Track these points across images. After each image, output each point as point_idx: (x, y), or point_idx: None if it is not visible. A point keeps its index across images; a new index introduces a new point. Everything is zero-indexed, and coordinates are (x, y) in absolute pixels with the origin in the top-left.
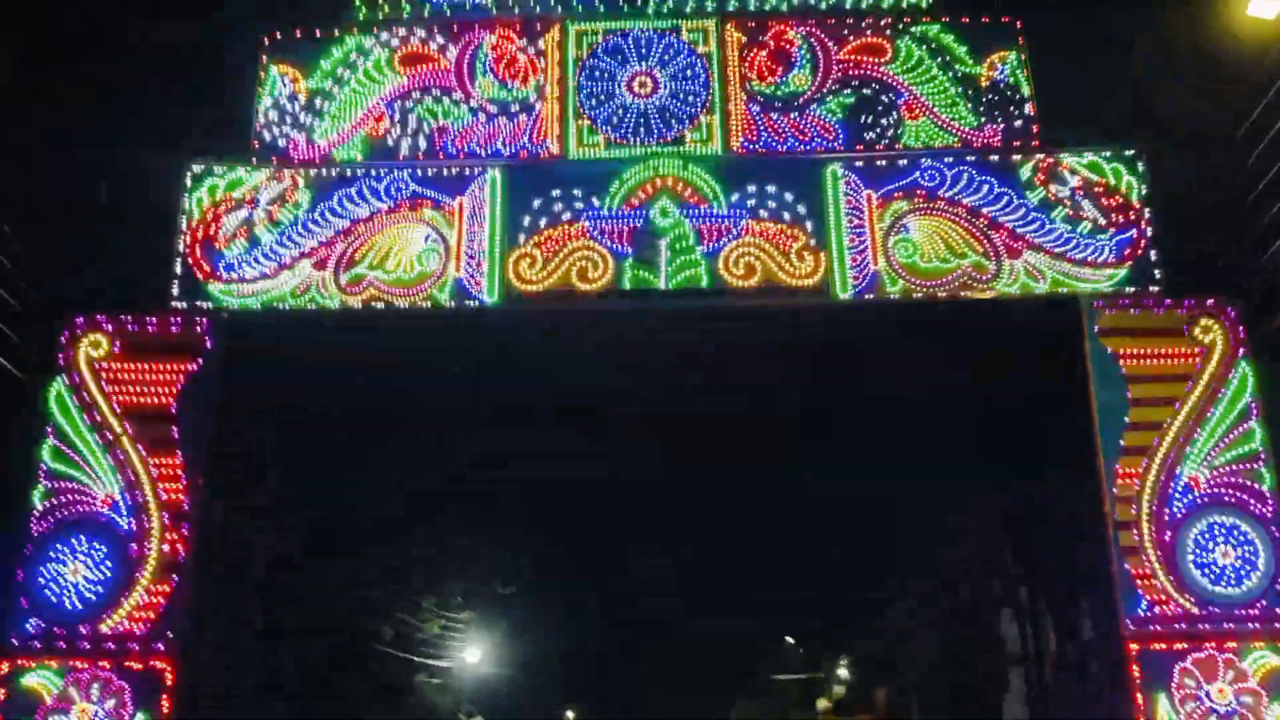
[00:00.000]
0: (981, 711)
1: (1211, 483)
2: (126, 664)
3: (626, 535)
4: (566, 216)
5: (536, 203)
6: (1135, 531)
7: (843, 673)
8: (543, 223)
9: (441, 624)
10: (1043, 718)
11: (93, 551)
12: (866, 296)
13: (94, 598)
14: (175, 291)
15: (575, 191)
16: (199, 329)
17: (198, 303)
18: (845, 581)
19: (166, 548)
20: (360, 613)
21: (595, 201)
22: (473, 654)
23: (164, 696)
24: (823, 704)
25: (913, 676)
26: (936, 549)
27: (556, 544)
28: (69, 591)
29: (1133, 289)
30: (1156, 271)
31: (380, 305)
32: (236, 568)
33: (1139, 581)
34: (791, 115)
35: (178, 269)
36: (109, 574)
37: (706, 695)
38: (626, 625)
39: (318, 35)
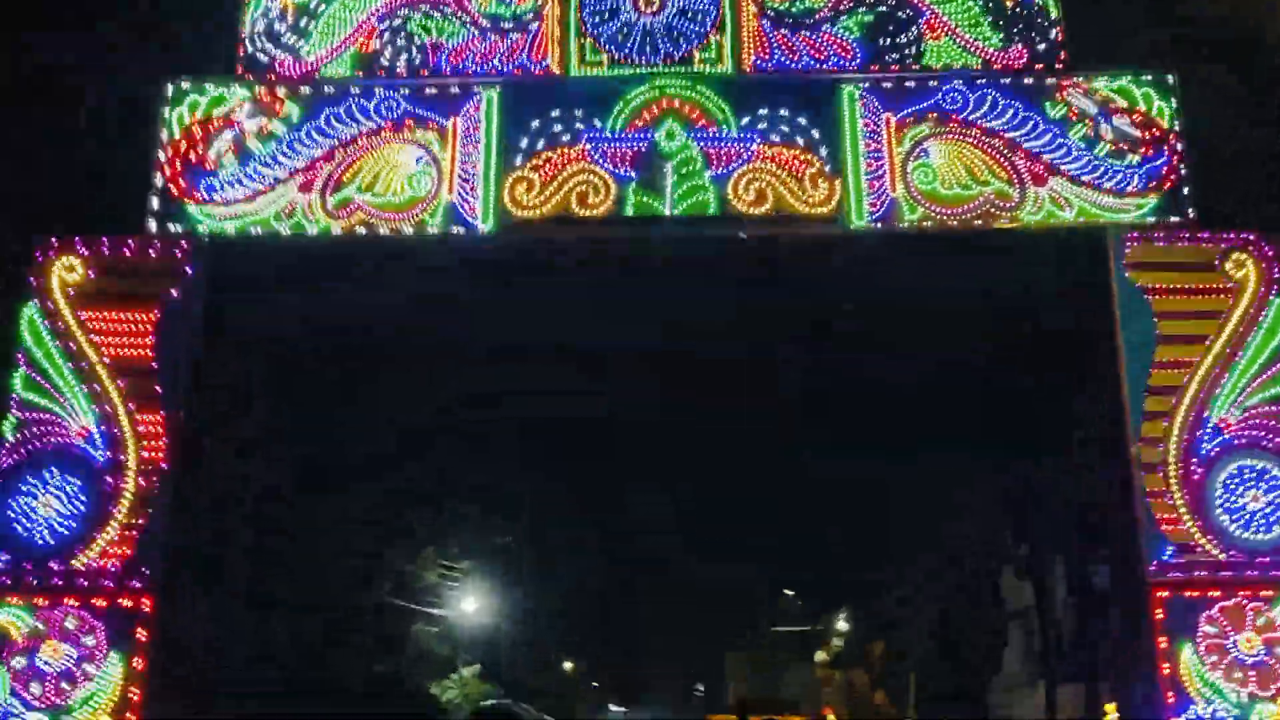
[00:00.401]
0: (979, 666)
1: (1242, 425)
2: (100, 601)
3: (626, 475)
4: (566, 138)
5: (535, 124)
6: (1161, 474)
7: (841, 626)
8: (541, 145)
9: (439, 573)
10: (1049, 670)
11: (66, 485)
12: (883, 225)
13: (66, 533)
14: (153, 214)
15: (576, 112)
16: (178, 252)
17: (177, 226)
18: (848, 530)
19: (143, 482)
20: (356, 568)
21: (597, 123)
22: (471, 604)
23: (139, 635)
24: (820, 656)
25: (913, 628)
26: (946, 497)
27: (556, 485)
28: (40, 526)
29: (1163, 220)
30: (1188, 202)
31: (368, 230)
32: (221, 503)
33: (1165, 526)
34: (807, 33)
35: (156, 190)
36: (83, 508)
37: (705, 647)
38: (626, 576)
39: None
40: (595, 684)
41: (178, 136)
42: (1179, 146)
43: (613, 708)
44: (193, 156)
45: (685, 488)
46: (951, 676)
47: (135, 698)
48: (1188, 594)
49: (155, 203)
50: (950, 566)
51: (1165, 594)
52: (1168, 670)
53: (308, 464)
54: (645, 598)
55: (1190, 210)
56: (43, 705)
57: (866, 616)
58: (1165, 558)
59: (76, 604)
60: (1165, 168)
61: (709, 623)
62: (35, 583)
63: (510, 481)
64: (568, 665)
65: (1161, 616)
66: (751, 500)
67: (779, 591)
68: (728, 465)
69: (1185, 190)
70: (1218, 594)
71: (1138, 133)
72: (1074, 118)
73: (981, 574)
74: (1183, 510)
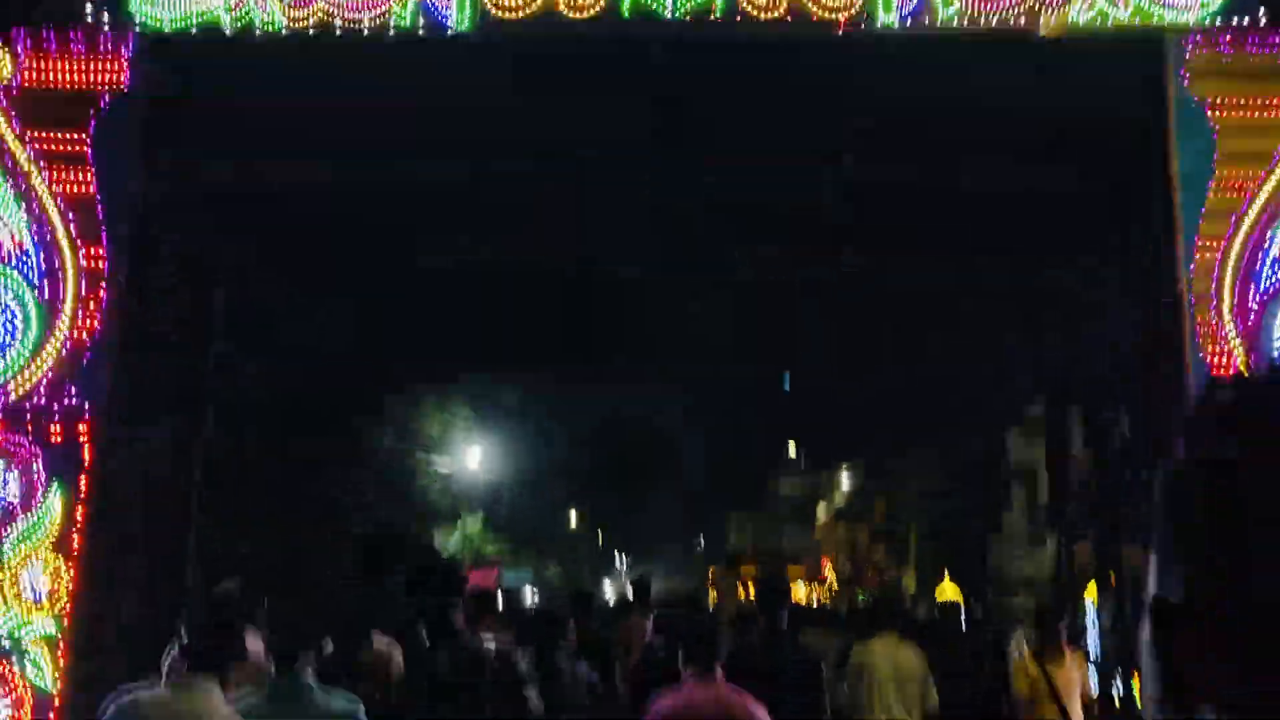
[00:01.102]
0: (980, 524)
1: None
2: (38, 429)
3: (624, 321)
4: None
5: None
6: (1213, 309)
7: (845, 483)
8: None
9: (442, 424)
10: (1067, 525)
11: None
12: (913, 23)
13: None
14: (88, 6)
15: None
16: (117, 48)
17: (115, 18)
18: (853, 382)
19: (85, 304)
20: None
21: None
22: (475, 457)
23: (82, 467)
24: (822, 510)
25: (914, 488)
26: (962, 357)
27: (549, 332)
28: None
29: (1228, 23)
30: (1258, 2)
31: (328, 26)
32: (186, 330)
33: (1215, 365)
34: None
35: None
36: (17, 328)
37: (709, 505)
38: (632, 433)
39: None
40: (600, 534)
41: None
42: None
43: (617, 562)
44: None
45: (686, 337)
46: (951, 534)
47: (79, 529)
48: None
49: None
50: (958, 423)
51: None
52: None
53: (282, 299)
54: (650, 454)
55: (1261, 11)
56: None
57: (870, 474)
58: None
59: (12, 432)
60: None
61: (714, 480)
62: None
63: (513, 338)
64: (573, 520)
65: None
66: (757, 350)
67: (782, 448)
68: (731, 311)
69: None
70: None
71: None
72: None
73: (989, 430)
74: (1236, 345)
